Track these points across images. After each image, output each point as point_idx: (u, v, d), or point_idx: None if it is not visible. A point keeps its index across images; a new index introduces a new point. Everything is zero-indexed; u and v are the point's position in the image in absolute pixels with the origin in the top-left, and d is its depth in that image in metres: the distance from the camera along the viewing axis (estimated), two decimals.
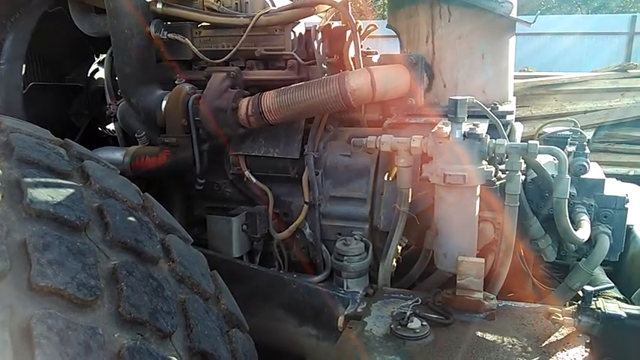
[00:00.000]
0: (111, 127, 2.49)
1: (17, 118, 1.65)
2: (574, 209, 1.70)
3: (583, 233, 1.58)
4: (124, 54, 1.96)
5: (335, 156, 1.91)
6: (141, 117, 2.03)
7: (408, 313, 1.45)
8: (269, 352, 1.84)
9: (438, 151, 1.55)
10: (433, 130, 1.55)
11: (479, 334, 1.41)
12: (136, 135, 2.04)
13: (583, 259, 1.73)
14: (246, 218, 1.93)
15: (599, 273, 2.03)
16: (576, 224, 1.63)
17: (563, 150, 1.91)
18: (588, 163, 1.74)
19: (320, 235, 1.90)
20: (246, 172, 2.01)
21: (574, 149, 1.78)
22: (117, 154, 2.01)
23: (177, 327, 1.24)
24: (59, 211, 1.20)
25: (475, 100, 1.52)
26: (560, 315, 1.28)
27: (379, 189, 1.86)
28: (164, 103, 1.95)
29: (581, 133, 1.85)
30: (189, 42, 1.96)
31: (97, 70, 2.57)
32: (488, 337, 1.40)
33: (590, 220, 1.69)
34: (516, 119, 1.96)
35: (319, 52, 1.94)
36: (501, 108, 1.77)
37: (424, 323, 1.42)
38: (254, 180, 2.01)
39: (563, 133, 1.94)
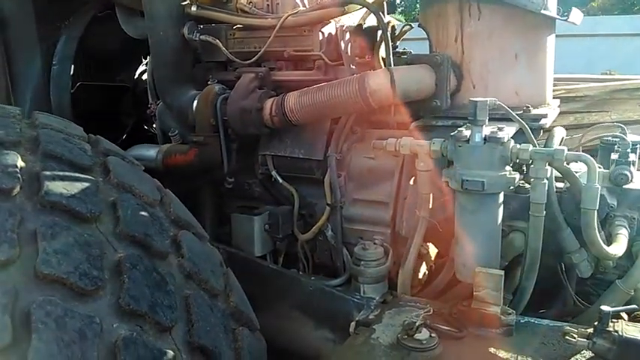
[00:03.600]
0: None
1: (58, 116, 1.77)
2: (613, 222, 1.56)
3: (617, 248, 1.45)
4: (160, 55, 2.03)
5: (359, 158, 1.88)
6: (175, 116, 2.10)
7: (417, 323, 1.39)
8: (285, 354, 1.84)
9: (458, 155, 1.48)
10: (452, 134, 1.48)
11: (491, 350, 1.33)
12: (169, 133, 2.11)
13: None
14: (269, 218, 1.95)
15: None
16: (613, 238, 1.49)
17: (609, 158, 1.78)
18: (631, 173, 1.59)
19: (341, 238, 1.87)
20: (273, 172, 2.02)
21: (617, 157, 1.63)
22: (151, 152, 2.09)
23: (178, 321, 1.27)
24: (71, 203, 1.26)
25: (498, 102, 1.44)
26: (575, 335, 1.17)
27: (403, 193, 1.80)
28: (195, 102, 2.00)
29: (625, 139, 1.69)
30: (219, 43, 2.00)
31: (144, 71, 2.69)
32: (501, 354, 1.31)
33: (631, 234, 1.55)
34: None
35: (347, 53, 1.91)
36: (535, 111, 1.66)
37: (433, 335, 1.36)
38: (280, 180, 2.02)
39: (609, 139, 1.79)
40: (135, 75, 2.67)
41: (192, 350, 1.27)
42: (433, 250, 2.16)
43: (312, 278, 1.80)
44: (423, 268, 2.29)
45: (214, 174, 2.12)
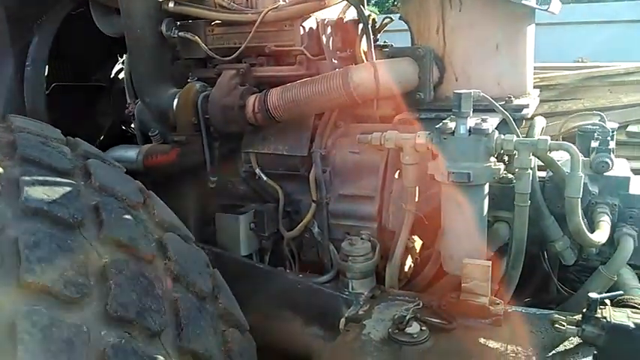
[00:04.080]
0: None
1: (33, 119, 1.72)
2: (595, 209, 1.59)
3: (600, 235, 1.47)
4: (137, 53, 1.99)
5: (344, 153, 1.87)
6: (154, 115, 2.06)
7: (407, 317, 1.40)
8: (275, 353, 1.82)
9: (443, 147, 1.48)
10: (437, 126, 1.48)
11: (482, 340, 1.34)
12: (150, 133, 2.07)
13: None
14: (254, 216, 1.93)
15: (630, 278, 1.89)
16: (595, 225, 1.52)
17: (588, 146, 1.81)
18: (612, 160, 1.62)
19: (328, 234, 1.86)
20: (257, 170, 2.00)
21: (597, 145, 1.66)
22: (131, 153, 2.05)
23: (167, 326, 1.24)
24: (53, 209, 1.22)
25: (481, 94, 1.44)
26: (564, 323, 1.19)
27: (388, 187, 1.80)
28: (175, 101, 1.96)
29: (605, 127, 1.72)
30: (198, 40, 1.97)
31: (120, 70, 2.63)
32: (491, 343, 1.33)
33: (613, 221, 1.57)
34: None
35: (328, 47, 1.90)
36: (517, 101, 1.67)
37: (423, 328, 1.37)
38: (265, 178, 2.00)
39: (587, 127, 1.82)
40: (111, 74, 2.61)
41: (182, 355, 1.24)
42: (418, 243, 2.17)
43: (300, 276, 1.79)
44: (409, 261, 2.29)
45: (197, 173, 2.09)
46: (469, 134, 1.43)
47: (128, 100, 2.31)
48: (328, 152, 1.88)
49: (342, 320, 1.53)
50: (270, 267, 1.89)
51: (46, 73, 2.25)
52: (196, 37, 1.98)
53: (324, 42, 1.89)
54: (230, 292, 1.57)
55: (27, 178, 1.26)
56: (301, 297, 1.75)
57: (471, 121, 1.44)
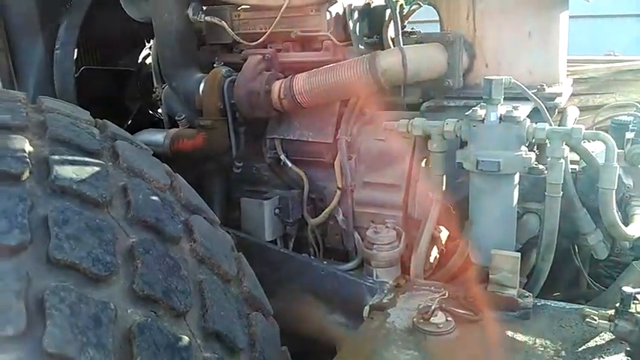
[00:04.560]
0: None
1: (63, 101, 1.74)
2: (629, 202, 1.54)
3: (635, 229, 1.43)
4: (164, 38, 1.99)
5: (369, 140, 1.85)
6: (181, 100, 2.07)
7: (432, 307, 1.38)
8: (298, 338, 1.83)
9: (472, 135, 1.45)
10: (467, 113, 1.45)
11: (509, 333, 1.32)
12: (176, 118, 2.08)
13: None
14: (279, 202, 1.92)
15: None
16: (630, 219, 1.47)
17: (623, 137, 1.75)
18: None
19: (352, 221, 1.85)
20: (282, 156, 1.99)
21: (633, 136, 1.60)
22: (158, 136, 2.06)
23: (192, 306, 1.25)
24: (82, 188, 1.24)
25: (513, 81, 1.40)
26: (595, 318, 1.16)
27: (415, 175, 1.78)
28: (202, 86, 1.97)
29: None
30: (225, 25, 1.96)
31: (148, 55, 2.64)
32: (519, 337, 1.30)
33: None
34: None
35: (355, 33, 1.87)
36: (549, 90, 1.62)
37: (449, 318, 1.35)
38: (290, 164, 1.99)
39: (621, 119, 1.76)
40: (139, 59, 2.62)
41: (207, 335, 1.25)
42: (444, 233, 2.14)
43: (324, 263, 1.78)
44: (435, 252, 2.27)
45: (222, 158, 2.09)
46: (499, 122, 1.40)
47: (155, 85, 2.32)
48: (354, 139, 1.86)
49: (366, 308, 1.52)
50: (294, 253, 1.89)
51: (75, 57, 2.27)
52: (223, 22, 1.97)
53: (351, 27, 1.86)
54: (254, 277, 1.57)
55: (56, 157, 1.28)
56: (325, 284, 1.74)
57: (502, 109, 1.41)
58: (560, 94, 1.62)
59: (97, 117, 1.66)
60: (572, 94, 3.03)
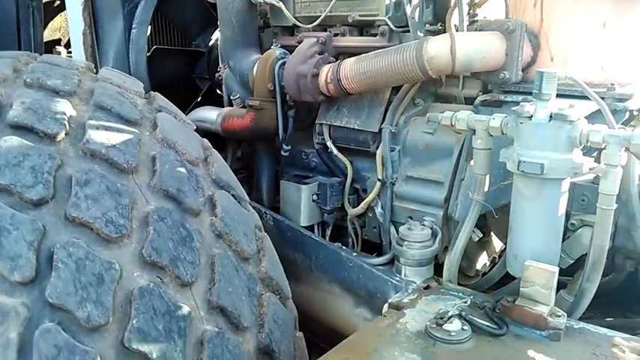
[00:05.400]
0: None
1: (133, 77, 1.83)
2: None
3: None
4: (225, 18, 2.03)
5: (416, 132, 1.75)
6: (237, 79, 2.10)
7: (450, 313, 1.28)
8: (322, 328, 1.79)
9: (518, 132, 1.31)
10: (514, 108, 1.32)
11: (530, 353, 1.18)
12: (231, 97, 2.11)
13: None
14: (317, 188, 1.89)
15: None
16: None
17: None
18: None
19: (390, 215, 1.77)
20: (329, 143, 1.96)
21: None
22: (212, 114, 2.11)
23: (199, 278, 1.26)
24: (110, 153, 1.29)
25: (569, 75, 1.24)
26: (624, 349, 1.00)
27: (460, 173, 1.66)
28: (255, 66, 1.98)
29: None
30: (282, 6, 1.96)
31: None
32: (540, 358, 1.16)
33: None
34: None
35: (414, 19, 1.77)
36: (621, 90, 1.42)
37: (465, 327, 1.24)
38: (335, 151, 1.95)
39: None
40: (210, 40, 2.71)
41: (211, 309, 1.26)
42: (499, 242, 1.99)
43: (354, 254, 1.72)
44: (484, 259, 2.12)
45: (274, 141, 2.10)
46: (549, 120, 1.25)
47: (220, 65, 2.38)
48: (400, 130, 1.77)
49: (386, 305, 1.45)
50: (326, 241, 1.85)
51: (147, 35, 2.39)
52: (281, 4, 1.97)
53: (409, 13, 1.76)
54: (277, 259, 1.56)
55: (93, 122, 1.35)
56: (352, 276, 1.69)
57: (554, 106, 1.26)
58: (633, 96, 1.41)
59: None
60: None
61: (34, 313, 1.03)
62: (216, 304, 1.26)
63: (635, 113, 1.51)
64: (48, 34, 3.81)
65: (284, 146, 2.03)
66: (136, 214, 1.25)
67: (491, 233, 2.00)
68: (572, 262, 1.52)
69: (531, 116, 1.27)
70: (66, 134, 1.29)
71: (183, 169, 1.42)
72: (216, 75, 2.35)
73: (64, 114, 1.32)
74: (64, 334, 1.03)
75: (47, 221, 1.13)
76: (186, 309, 1.19)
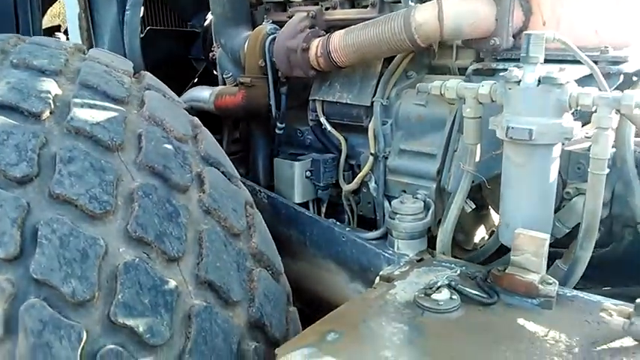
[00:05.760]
0: None
1: (127, 58, 1.82)
2: None
3: None
4: None
5: (408, 105, 1.72)
6: (229, 58, 2.08)
7: (439, 283, 1.27)
8: (319, 303, 1.80)
9: (507, 99, 1.28)
10: (502, 74, 1.29)
11: (519, 321, 1.17)
12: (223, 75, 2.10)
13: None
14: (311, 165, 1.88)
15: None
16: None
17: None
18: None
19: (383, 190, 1.75)
20: (322, 119, 1.93)
21: None
22: (205, 93, 2.10)
23: (187, 253, 1.26)
24: (94, 130, 1.29)
25: (557, 37, 1.21)
26: (613, 313, 0.98)
27: (453, 145, 1.63)
28: (246, 43, 1.96)
29: None
30: None
31: None
32: (530, 326, 1.15)
33: None
34: None
35: None
36: (615, 53, 1.38)
37: (454, 297, 1.23)
38: (329, 127, 1.93)
39: None
40: (205, 21, 2.69)
41: (199, 283, 1.26)
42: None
43: (347, 229, 1.71)
44: (482, 232, 2.10)
45: (268, 119, 2.09)
46: (538, 84, 1.22)
47: (214, 44, 2.36)
48: (391, 103, 1.74)
49: (377, 278, 1.44)
50: (319, 217, 1.84)
51: (142, 17, 2.38)
52: None
53: None
54: (268, 236, 1.56)
55: (78, 100, 1.35)
56: (346, 251, 1.68)
57: (543, 70, 1.23)
58: (626, 59, 1.37)
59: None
60: None
61: (19, 289, 1.04)
62: (205, 278, 1.26)
63: (634, 79, 1.47)
64: (47, 21, 3.82)
65: (278, 124, 2.02)
66: (121, 190, 1.25)
67: (490, 207, 1.98)
68: (567, 231, 1.49)
69: (520, 81, 1.24)
70: (51, 113, 1.29)
71: (169, 146, 1.42)
72: (210, 55, 2.34)
73: (49, 93, 1.32)
74: (50, 309, 1.04)
75: (31, 199, 1.13)
76: (173, 284, 1.19)
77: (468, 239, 1.94)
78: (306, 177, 1.88)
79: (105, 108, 1.38)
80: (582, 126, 1.37)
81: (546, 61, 1.29)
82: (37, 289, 1.05)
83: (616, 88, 1.36)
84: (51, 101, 1.30)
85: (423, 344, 1.10)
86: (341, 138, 1.92)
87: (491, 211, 2.02)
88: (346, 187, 1.87)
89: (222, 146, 2.19)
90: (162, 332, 1.14)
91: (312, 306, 1.77)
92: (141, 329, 1.11)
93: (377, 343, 1.09)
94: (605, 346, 1.05)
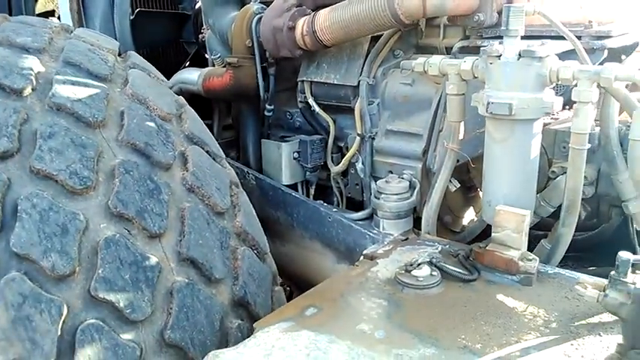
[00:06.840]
0: None
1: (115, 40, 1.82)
2: None
3: None
4: None
5: (395, 84, 1.71)
6: (218, 39, 2.07)
7: (419, 260, 1.27)
8: (309, 283, 1.80)
9: (488, 74, 1.28)
10: (483, 48, 1.28)
11: (499, 297, 1.17)
12: (212, 56, 2.09)
13: None
14: (298, 146, 1.87)
15: None
16: None
17: None
18: None
19: (370, 170, 1.75)
20: (310, 100, 1.92)
21: None
22: (194, 75, 2.09)
23: (169, 230, 1.27)
24: (75, 107, 1.29)
25: (537, 10, 1.20)
26: (587, 286, 0.98)
27: (439, 124, 1.62)
28: (233, 23, 1.94)
29: None
30: None
31: None
32: (510, 302, 1.15)
33: None
34: None
35: None
36: (598, 28, 1.37)
37: (434, 273, 1.23)
38: (317, 109, 1.92)
39: None
40: (196, 4, 2.67)
41: (181, 260, 1.27)
42: None
43: (334, 210, 1.71)
44: (471, 214, 2.10)
45: (257, 101, 2.08)
46: (518, 58, 1.21)
47: (204, 26, 2.35)
48: (378, 82, 1.73)
49: (361, 258, 1.45)
50: (306, 198, 1.84)
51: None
52: None
53: None
54: (254, 215, 1.56)
55: (60, 77, 1.34)
56: (332, 231, 1.68)
57: (523, 44, 1.22)
58: (609, 33, 1.35)
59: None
60: None
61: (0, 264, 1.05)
62: (187, 255, 1.27)
63: (622, 57, 1.45)
64: (41, 6, 3.80)
65: (267, 106, 2.01)
66: (102, 166, 1.25)
67: (478, 189, 1.97)
68: (552, 210, 1.49)
69: (500, 55, 1.23)
70: (32, 89, 1.29)
71: (152, 124, 1.41)
72: (201, 37, 2.33)
73: (31, 70, 1.32)
74: (30, 283, 1.05)
75: (12, 174, 1.14)
76: (154, 260, 1.20)
77: (456, 221, 1.94)
78: (294, 158, 1.88)
79: (87, 85, 1.38)
80: (570, 106, 1.37)
81: (531, 37, 1.28)
82: (18, 263, 1.06)
83: (601, 64, 1.35)
84: (33, 78, 1.30)
85: (400, 318, 1.10)
86: (329, 120, 1.91)
87: (480, 193, 2.01)
88: (334, 169, 1.87)
89: (212, 131, 2.20)
90: (143, 308, 1.15)
91: (301, 287, 1.78)
92: (121, 304, 1.12)
93: (355, 318, 1.10)
94: (583, 322, 1.06)
